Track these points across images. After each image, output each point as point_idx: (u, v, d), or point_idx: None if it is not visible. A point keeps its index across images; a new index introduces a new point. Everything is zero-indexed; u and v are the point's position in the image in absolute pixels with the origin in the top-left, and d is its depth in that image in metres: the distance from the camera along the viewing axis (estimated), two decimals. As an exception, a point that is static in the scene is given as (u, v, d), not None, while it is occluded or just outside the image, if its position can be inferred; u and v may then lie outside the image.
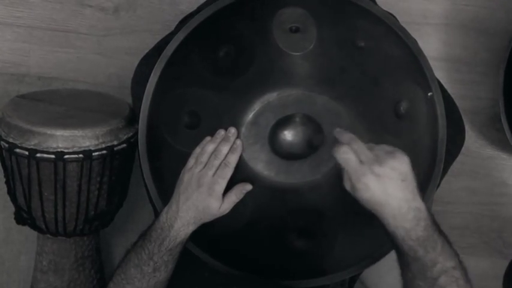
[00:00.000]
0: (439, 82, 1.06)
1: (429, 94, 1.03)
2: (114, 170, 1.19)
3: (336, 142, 0.88)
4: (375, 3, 1.12)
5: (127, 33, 1.49)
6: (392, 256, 0.90)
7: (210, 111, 0.99)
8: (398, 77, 1.03)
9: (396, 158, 0.84)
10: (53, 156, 1.11)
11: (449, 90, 1.19)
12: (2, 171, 1.22)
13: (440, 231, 0.85)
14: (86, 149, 1.12)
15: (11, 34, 1.48)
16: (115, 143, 1.15)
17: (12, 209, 1.27)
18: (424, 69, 1.04)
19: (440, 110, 1.04)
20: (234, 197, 0.96)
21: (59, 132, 1.12)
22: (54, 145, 1.11)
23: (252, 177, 0.97)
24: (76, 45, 1.49)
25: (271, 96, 0.97)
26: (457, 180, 1.56)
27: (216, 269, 1.04)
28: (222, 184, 0.94)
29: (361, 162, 0.84)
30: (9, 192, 1.24)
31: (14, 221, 1.27)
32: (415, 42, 1.04)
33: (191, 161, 0.96)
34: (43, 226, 1.22)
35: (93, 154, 1.13)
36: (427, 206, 0.85)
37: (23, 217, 1.24)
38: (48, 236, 1.24)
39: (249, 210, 0.99)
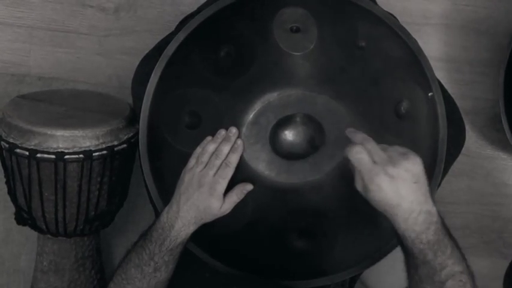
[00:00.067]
0: (439, 82, 1.06)
1: (430, 94, 1.03)
2: (114, 170, 1.19)
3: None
4: (375, 3, 1.12)
5: (127, 34, 1.48)
6: (392, 256, 0.90)
7: (211, 111, 0.99)
8: (399, 77, 1.03)
9: (410, 159, 0.82)
10: (53, 156, 1.11)
11: (450, 91, 1.19)
12: (2, 171, 1.22)
13: (450, 236, 0.84)
14: (87, 149, 1.12)
15: (12, 34, 1.48)
16: (115, 143, 1.15)
17: (13, 209, 1.26)
18: (425, 69, 1.04)
19: (440, 110, 1.04)
20: (235, 197, 0.96)
21: (60, 133, 1.11)
22: (55, 145, 1.11)
23: (253, 177, 0.97)
24: (76, 45, 1.49)
25: (272, 96, 0.97)
26: (457, 180, 1.56)
27: (216, 269, 1.04)
28: (223, 184, 0.94)
29: (374, 162, 0.82)
30: (9, 193, 1.24)
31: (14, 222, 1.27)
32: (415, 42, 1.04)
33: (192, 161, 0.96)
34: (43, 226, 1.21)
35: (94, 154, 1.13)
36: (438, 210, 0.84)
37: (23, 217, 1.24)
38: (49, 236, 1.24)
39: (250, 210, 0.99)
